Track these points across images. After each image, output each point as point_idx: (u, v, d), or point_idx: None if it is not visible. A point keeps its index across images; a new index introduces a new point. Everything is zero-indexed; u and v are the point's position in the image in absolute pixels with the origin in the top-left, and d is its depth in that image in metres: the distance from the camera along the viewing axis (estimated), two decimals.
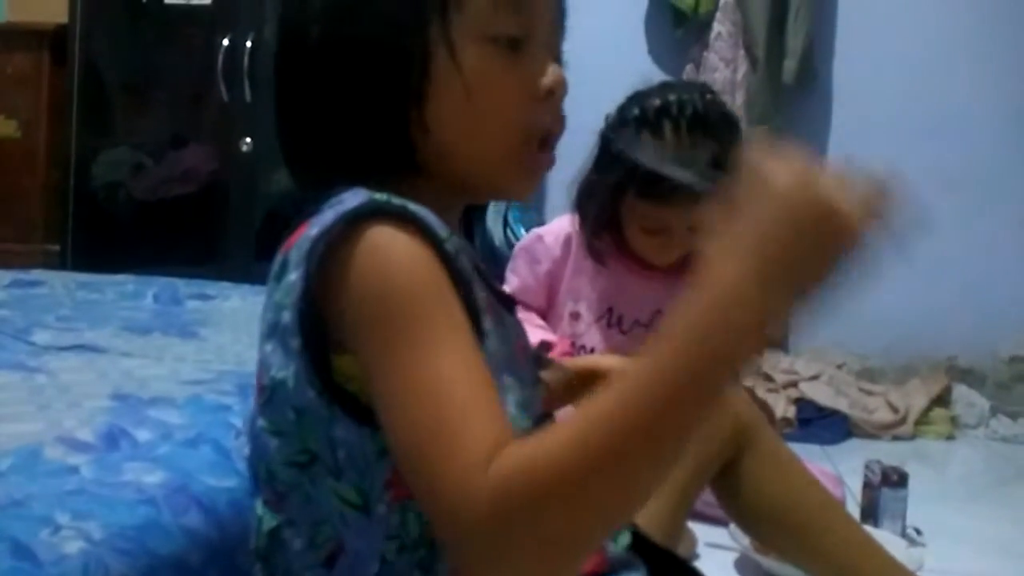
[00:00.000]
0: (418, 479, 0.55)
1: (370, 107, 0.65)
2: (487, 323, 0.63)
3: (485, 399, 0.56)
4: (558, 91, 0.68)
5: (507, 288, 1.33)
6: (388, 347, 0.57)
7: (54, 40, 2.85)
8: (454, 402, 0.55)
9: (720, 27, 2.56)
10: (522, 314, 1.27)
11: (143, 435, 0.90)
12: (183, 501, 0.76)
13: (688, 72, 2.62)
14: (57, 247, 2.84)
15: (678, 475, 1.03)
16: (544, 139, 0.69)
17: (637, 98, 1.28)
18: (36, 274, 1.96)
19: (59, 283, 1.88)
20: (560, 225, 1.37)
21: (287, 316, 0.61)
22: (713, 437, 1.02)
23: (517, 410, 0.65)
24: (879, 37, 2.59)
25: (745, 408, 1.06)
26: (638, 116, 1.25)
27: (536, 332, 1.28)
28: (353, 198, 0.62)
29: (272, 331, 0.63)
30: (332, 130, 0.67)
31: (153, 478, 0.79)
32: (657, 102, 1.24)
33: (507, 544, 0.51)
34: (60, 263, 2.74)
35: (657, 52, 2.71)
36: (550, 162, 0.70)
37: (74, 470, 0.80)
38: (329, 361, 0.60)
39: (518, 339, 0.72)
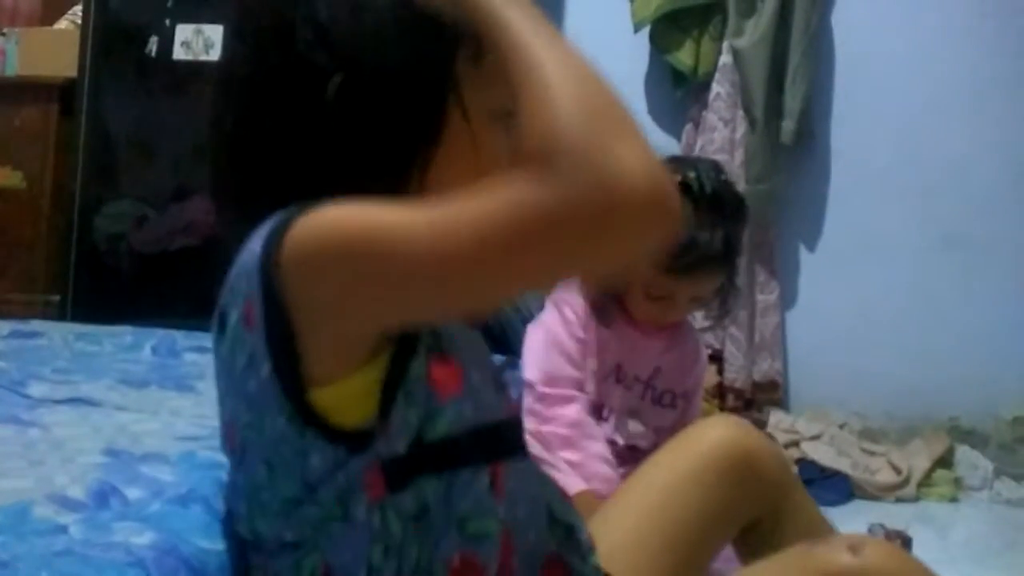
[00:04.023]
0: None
1: (377, 153, 0.65)
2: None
3: None
4: None
5: (532, 371, 1.32)
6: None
7: (63, 93, 2.89)
8: None
9: (719, 88, 2.59)
10: (565, 453, 1.24)
11: (134, 493, 0.89)
12: (172, 564, 0.74)
13: (687, 132, 2.66)
14: (58, 297, 2.84)
15: (692, 529, 0.98)
16: None
17: None
18: (35, 325, 1.96)
19: (57, 334, 1.88)
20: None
21: (241, 359, 0.62)
22: (740, 493, 0.99)
23: (473, 410, 0.68)
24: (876, 97, 2.62)
25: (777, 466, 1.03)
26: None
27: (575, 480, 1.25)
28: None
29: (228, 384, 0.65)
30: (323, 164, 0.66)
31: (142, 539, 0.77)
32: (678, 178, 1.24)
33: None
34: (60, 314, 2.74)
35: (657, 112, 2.75)
36: None
37: (63, 529, 0.79)
38: (301, 388, 0.61)
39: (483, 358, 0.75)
